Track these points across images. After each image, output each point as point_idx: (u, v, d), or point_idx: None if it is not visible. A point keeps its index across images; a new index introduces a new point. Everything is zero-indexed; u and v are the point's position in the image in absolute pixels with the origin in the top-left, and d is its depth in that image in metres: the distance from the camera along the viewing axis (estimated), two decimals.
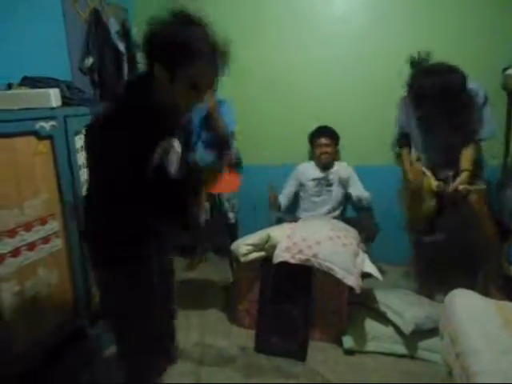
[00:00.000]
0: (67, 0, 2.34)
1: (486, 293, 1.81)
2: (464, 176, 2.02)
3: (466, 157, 2.05)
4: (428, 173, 2.15)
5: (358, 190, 2.58)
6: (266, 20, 2.86)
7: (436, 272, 2.37)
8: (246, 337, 2.12)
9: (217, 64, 1.06)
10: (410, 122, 2.25)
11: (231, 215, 2.75)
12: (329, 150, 2.59)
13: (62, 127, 1.78)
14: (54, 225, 1.76)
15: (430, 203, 2.14)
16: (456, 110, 2.01)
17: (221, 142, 1.27)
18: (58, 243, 1.79)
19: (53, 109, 1.74)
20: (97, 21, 2.50)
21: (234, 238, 2.72)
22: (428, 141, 2.18)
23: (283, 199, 2.66)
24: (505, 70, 2.46)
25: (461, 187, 2.00)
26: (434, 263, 2.39)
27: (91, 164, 1.18)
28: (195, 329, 2.23)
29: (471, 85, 2.01)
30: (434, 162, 2.17)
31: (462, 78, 1.94)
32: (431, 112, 2.03)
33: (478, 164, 2.10)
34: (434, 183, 2.09)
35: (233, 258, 2.30)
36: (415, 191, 2.19)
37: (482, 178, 2.10)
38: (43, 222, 1.70)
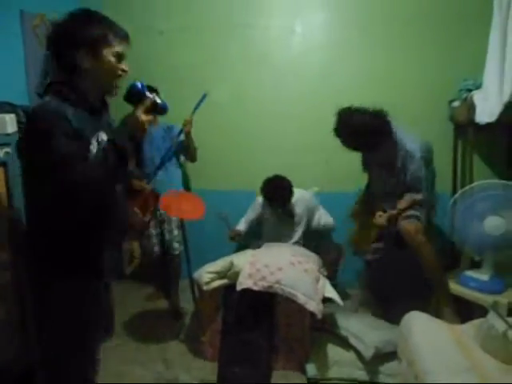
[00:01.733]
0: (28, 25, 2.31)
1: (438, 315, 1.90)
2: (384, 217, 2.18)
3: (400, 204, 2.15)
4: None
5: (322, 219, 2.61)
6: (228, 49, 2.94)
7: (388, 295, 2.47)
8: (209, 370, 2.06)
9: (125, 36, 1.22)
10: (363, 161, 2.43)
11: (176, 245, 2.64)
12: (283, 208, 2.52)
13: (17, 154, 1.71)
14: (3, 256, 1.67)
15: (374, 231, 2.30)
16: (381, 158, 2.17)
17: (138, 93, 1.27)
18: (5, 276, 1.68)
19: (8, 135, 1.68)
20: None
21: (178, 272, 2.67)
22: (373, 184, 2.37)
23: (243, 226, 2.64)
24: (451, 102, 2.65)
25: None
26: (383, 287, 2.51)
27: (27, 168, 1.22)
28: (155, 362, 2.14)
29: (407, 144, 2.10)
30: (376, 197, 2.34)
31: (374, 119, 2.02)
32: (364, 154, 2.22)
33: (414, 202, 2.17)
34: (377, 217, 2.23)
35: (195, 287, 2.26)
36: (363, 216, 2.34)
37: (418, 211, 2.16)
38: None
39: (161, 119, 2.58)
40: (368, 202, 2.40)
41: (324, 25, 2.83)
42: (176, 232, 2.63)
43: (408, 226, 2.10)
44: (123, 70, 1.23)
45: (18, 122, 1.77)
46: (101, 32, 1.16)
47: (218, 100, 2.94)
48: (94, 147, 1.17)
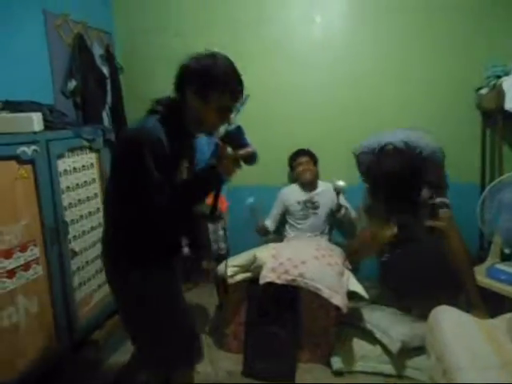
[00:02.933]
0: (51, 24, 2.35)
1: (467, 309, 1.85)
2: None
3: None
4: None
5: (347, 213, 2.51)
6: (247, 44, 2.92)
7: (411, 289, 2.42)
8: (233, 361, 2.08)
9: (237, 91, 1.25)
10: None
11: (223, 245, 2.65)
12: (309, 167, 2.58)
13: (45, 151, 1.77)
14: (35, 251, 1.72)
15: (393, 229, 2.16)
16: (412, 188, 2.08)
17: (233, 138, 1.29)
18: (38, 270, 1.74)
19: (35, 133, 1.72)
20: (80, 45, 2.52)
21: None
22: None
23: (270, 223, 2.62)
24: (478, 89, 2.56)
25: None
26: (405, 280, 2.45)
27: (117, 170, 1.27)
28: None
29: (424, 148, 2.08)
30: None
31: (413, 161, 2.02)
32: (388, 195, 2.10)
33: (442, 186, 2.15)
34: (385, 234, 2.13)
35: (219, 281, 2.27)
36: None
37: (446, 201, 2.11)
38: (23, 248, 1.65)
39: None
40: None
41: (344, 15, 2.77)
42: (221, 232, 2.66)
43: (440, 214, 2.03)
44: (223, 120, 1.27)
45: (44, 121, 1.81)
46: (220, 82, 1.20)
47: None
48: (182, 173, 1.29)
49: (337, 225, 2.65)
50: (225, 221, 2.61)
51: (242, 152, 1.23)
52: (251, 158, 1.24)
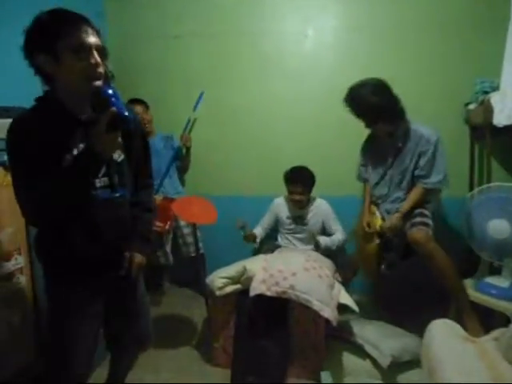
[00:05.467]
0: None
1: (458, 323, 1.84)
2: (395, 218, 2.12)
3: (409, 198, 2.14)
4: (378, 214, 2.27)
5: (329, 239, 2.50)
6: (242, 56, 2.95)
7: (402, 303, 2.42)
8: (222, 376, 2.03)
9: (85, 26, 1.09)
10: (365, 154, 2.38)
11: (191, 248, 2.75)
12: (302, 197, 2.47)
13: None
14: (19, 260, 1.67)
15: (375, 242, 2.23)
16: (393, 139, 2.13)
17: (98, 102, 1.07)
18: (21, 280, 1.69)
19: None
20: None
21: (200, 271, 2.69)
22: (377, 173, 2.29)
23: (259, 231, 2.64)
24: (467, 104, 2.61)
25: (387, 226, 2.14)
26: (396, 294, 2.46)
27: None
28: (167, 369, 2.12)
29: (421, 129, 2.10)
30: (385, 197, 2.28)
31: (364, 90, 2.07)
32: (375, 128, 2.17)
33: (426, 205, 2.17)
34: (378, 223, 2.21)
35: (207, 292, 2.23)
36: (364, 230, 2.29)
37: (427, 217, 2.13)
38: (8, 257, 1.60)
39: (159, 128, 2.67)
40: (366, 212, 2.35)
41: (337, 29, 2.81)
42: (189, 238, 2.70)
43: (417, 234, 2.05)
44: (93, 64, 1.08)
45: None
46: (51, 28, 1.06)
47: (228, 104, 2.95)
48: (70, 157, 1.12)
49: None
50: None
51: (104, 116, 1.03)
52: (118, 120, 1.04)
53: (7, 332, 1.61)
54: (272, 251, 2.55)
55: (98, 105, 1.06)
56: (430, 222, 2.12)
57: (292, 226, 2.60)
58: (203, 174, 3.07)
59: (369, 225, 2.28)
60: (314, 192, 2.60)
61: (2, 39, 2.06)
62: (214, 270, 2.24)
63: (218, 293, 2.09)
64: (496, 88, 2.31)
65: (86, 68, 1.08)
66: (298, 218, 2.58)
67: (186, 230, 2.79)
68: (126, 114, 1.05)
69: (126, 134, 1.21)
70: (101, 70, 1.10)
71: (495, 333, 1.58)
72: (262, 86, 2.94)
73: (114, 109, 1.03)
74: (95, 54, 1.09)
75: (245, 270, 2.08)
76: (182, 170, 3.01)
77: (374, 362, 1.93)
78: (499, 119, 2.16)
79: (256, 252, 2.64)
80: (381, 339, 1.98)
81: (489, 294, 2.01)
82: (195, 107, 2.67)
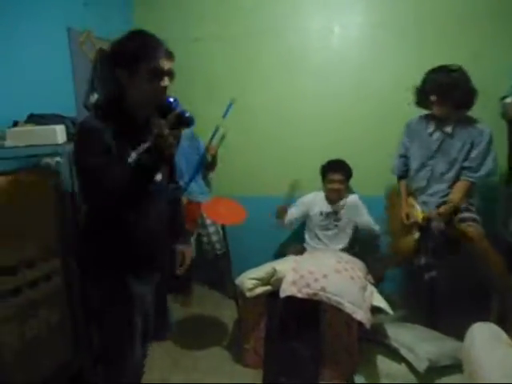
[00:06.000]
0: (74, 40, 2.41)
1: (501, 326, 1.76)
2: (448, 207, 2.04)
3: (457, 190, 2.07)
4: (417, 206, 2.19)
5: (365, 221, 2.51)
6: (264, 56, 2.94)
7: (444, 306, 2.33)
8: (252, 377, 2.03)
9: (162, 53, 1.24)
10: (410, 146, 2.29)
11: (218, 246, 2.75)
12: (341, 187, 2.48)
13: (67, 163, 1.78)
14: (56, 262, 1.72)
15: (414, 235, 2.17)
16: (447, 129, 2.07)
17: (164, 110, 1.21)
18: (58, 281, 1.74)
19: (58, 145, 1.75)
20: (102, 60, 2.57)
21: (226, 270, 2.71)
22: (420, 165, 2.21)
23: (288, 220, 2.61)
24: (503, 98, 2.49)
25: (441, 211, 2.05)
26: (436, 298, 2.37)
27: (80, 175, 1.29)
28: (198, 370, 2.13)
29: (475, 122, 2.07)
30: (423, 189, 2.21)
31: (463, 76, 2.05)
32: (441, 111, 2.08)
33: (470, 200, 2.10)
34: (420, 215, 2.14)
35: (237, 293, 2.24)
36: (402, 223, 2.23)
37: (474, 213, 2.07)
38: (45, 259, 1.66)
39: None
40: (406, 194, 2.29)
41: (361, 25, 2.76)
42: (214, 237, 2.69)
43: (470, 231, 1.97)
44: (162, 86, 1.24)
45: (67, 133, 1.83)
46: (137, 48, 1.21)
47: (254, 105, 2.95)
48: (131, 159, 1.23)
49: (360, 239, 2.60)
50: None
51: (169, 116, 1.16)
52: (182, 120, 1.17)
53: (46, 331, 1.66)
54: (300, 252, 2.53)
55: (162, 110, 1.19)
56: (478, 217, 2.04)
57: (324, 223, 2.55)
58: (228, 175, 3.07)
59: (408, 217, 2.20)
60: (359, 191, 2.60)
61: (39, 52, 2.14)
62: (240, 271, 2.24)
63: (248, 294, 2.08)
64: None
65: (156, 91, 1.24)
66: (332, 214, 2.54)
67: (211, 229, 2.79)
68: (188, 114, 1.18)
69: None
70: (167, 92, 1.26)
71: None
72: (285, 84, 2.92)
73: (177, 110, 1.18)
74: (166, 78, 1.25)
75: (275, 271, 2.06)
76: (208, 170, 3.01)
77: (410, 365, 1.87)
78: None
79: (282, 253, 2.61)
80: (416, 342, 1.91)
81: None
82: (225, 115, 2.66)
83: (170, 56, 1.26)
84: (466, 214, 2.02)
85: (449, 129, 2.09)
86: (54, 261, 1.71)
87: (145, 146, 1.23)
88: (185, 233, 1.59)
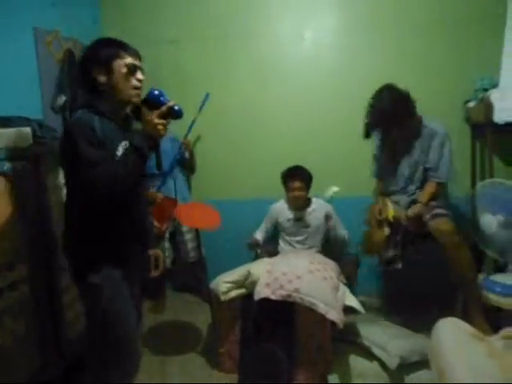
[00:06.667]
0: (41, 41, 2.34)
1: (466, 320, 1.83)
2: (416, 209, 2.13)
3: (425, 191, 2.16)
4: (390, 204, 2.28)
5: (338, 234, 2.54)
6: (238, 60, 2.95)
7: (408, 302, 2.42)
8: (228, 382, 2.02)
9: (132, 51, 1.36)
10: (378, 149, 2.39)
11: (193, 254, 2.74)
12: (301, 194, 2.47)
13: (33, 166, 1.73)
14: (22, 270, 1.66)
15: (385, 231, 2.26)
16: (405, 136, 2.16)
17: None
18: (25, 290, 1.68)
19: (24, 149, 1.69)
20: (70, 61, 2.51)
21: (202, 275, 2.68)
22: (389, 168, 2.32)
23: (260, 235, 2.62)
24: (466, 102, 2.60)
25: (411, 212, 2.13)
26: (403, 294, 2.45)
27: (67, 168, 1.34)
28: (173, 376, 2.10)
29: (431, 124, 2.14)
30: (394, 190, 2.31)
31: (398, 95, 2.10)
32: (387, 132, 2.20)
33: (439, 198, 2.18)
34: (390, 212, 2.22)
35: (212, 297, 2.22)
36: (376, 218, 2.31)
37: (445, 209, 2.14)
38: (11, 267, 1.59)
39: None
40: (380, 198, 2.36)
41: (334, 30, 2.82)
42: (190, 244, 2.67)
43: (443, 226, 2.03)
44: (137, 80, 1.35)
45: (33, 136, 1.77)
46: (111, 49, 1.33)
47: (227, 108, 2.95)
48: (119, 152, 1.29)
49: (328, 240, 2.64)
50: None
51: (162, 108, 1.27)
52: (173, 112, 1.29)
53: (12, 342, 1.59)
54: (274, 255, 2.54)
55: (149, 104, 1.31)
56: (448, 213, 2.11)
57: (293, 229, 2.57)
58: (204, 179, 3.06)
59: (380, 212, 2.28)
60: (318, 194, 2.61)
61: (3, 52, 2.06)
62: (216, 275, 2.23)
63: (222, 297, 2.08)
64: (496, 85, 2.31)
65: (133, 83, 1.34)
66: (299, 220, 2.56)
67: (188, 236, 2.77)
68: (178, 107, 1.29)
69: None
70: (141, 84, 1.37)
71: (505, 331, 1.56)
72: (259, 88, 2.94)
73: (172, 103, 1.29)
74: (140, 72, 1.37)
75: (249, 273, 2.07)
76: (190, 172, 2.99)
77: (382, 363, 1.92)
78: (500, 116, 2.17)
79: (257, 256, 2.62)
80: (388, 340, 1.96)
81: (494, 292, 2.00)
82: (201, 108, 2.66)
83: (138, 55, 1.39)
84: (437, 211, 2.09)
85: (409, 138, 2.18)
86: (20, 269, 1.64)
87: (126, 142, 1.30)
88: (153, 236, 1.67)
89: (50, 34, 2.40)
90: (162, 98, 1.31)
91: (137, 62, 1.36)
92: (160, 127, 1.27)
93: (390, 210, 2.24)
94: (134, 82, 1.34)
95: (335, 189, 2.48)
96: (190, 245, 2.77)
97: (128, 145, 1.29)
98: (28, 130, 1.75)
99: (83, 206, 1.30)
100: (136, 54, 1.37)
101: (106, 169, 1.21)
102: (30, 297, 1.70)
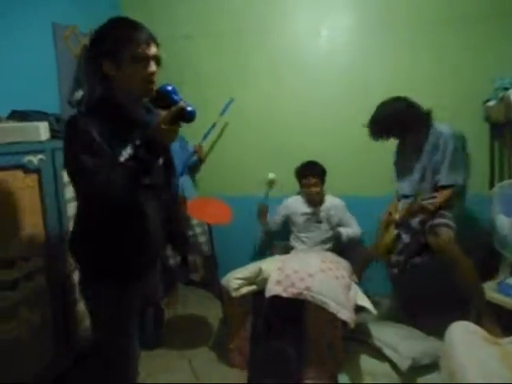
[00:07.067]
0: (59, 36, 2.37)
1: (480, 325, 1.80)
2: (415, 205, 2.09)
3: (432, 195, 2.08)
4: (400, 207, 2.27)
5: (349, 230, 2.52)
6: (253, 55, 2.94)
7: (420, 304, 2.40)
8: (237, 377, 2.03)
9: (145, 37, 1.17)
10: (395, 155, 2.39)
11: (205, 248, 2.75)
12: (317, 189, 2.50)
13: (50, 161, 1.76)
14: (38, 261, 1.70)
15: (392, 233, 2.23)
16: (415, 142, 2.15)
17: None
18: (41, 281, 1.71)
19: (41, 142, 1.72)
20: (87, 55, 2.53)
21: (213, 270, 2.69)
22: (402, 173, 2.31)
23: (271, 224, 2.64)
24: (486, 102, 2.54)
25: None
26: (414, 296, 2.45)
27: (68, 171, 1.21)
28: (183, 370, 2.12)
29: (440, 127, 2.09)
30: (405, 193, 2.27)
31: (401, 105, 2.12)
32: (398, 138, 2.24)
33: (451, 205, 2.10)
34: (397, 214, 2.21)
35: (223, 293, 2.23)
36: (385, 219, 2.31)
37: (449, 219, 2.08)
38: (27, 258, 1.63)
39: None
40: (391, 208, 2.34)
41: (349, 28, 2.78)
42: (201, 238, 2.69)
43: (440, 236, 2.01)
44: (149, 73, 1.17)
45: (51, 130, 1.80)
46: (120, 34, 1.15)
47: (241, 104, 2.94)
48: (123, 158, 1.17)
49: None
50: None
51: (172, 109, 1.12)
52: (184, 114, 1.13)
53: (28, 333, 1.63)
54: (285, 252, 2.54)
55: (160, 101, 1.17)
56: (451, 223, 2.06)
57: (306, 225, 2.57)
58: (215, 174, 3.06)
59: (390, 214, 2.27)
60: (333, 192, 2.60)
61: (22, 47, 2.09)
62: (226, 271, 2.24)
63: (233, 294, 2.08)
64: None
65: (143, 76, 1.17)
66: (313, 215, 2.55)
67: (198, 230, 2.78)
68: (191, 109, 1.13)
69: None
70: (155, 78, 1.19)
71: None
72: (273, 83, 2.92)
73: (183, 103, 1.13)
74: (152, 63, 1.18)
75: (260, 270, 2.07)
76: (195, 172, 3.03)
77: (393, 364, 1.91)
78: None
79: (266, 252, 2.63)
80: (399, 341, 1.95)
81: (510, 296, 1.96)
82: (223, 112, 2.65)
83: (154, 40, 1.20)
84: (438, 220, 2.06)
85: (419, 142, 2.15)
86: (36, 260, 1.68)
87: (137, 141, 1.18)
88: (187, 240, 1.55)
89: (68, 30, 2.43)
90: (174, 96, 1.16)
91: (150, 51, 1.17)
92: (171, 134, 1.13)
93: (398, 212, 2.23)
94: (145, 75, 1.16)
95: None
96: (201, 239, 2.78)
97: (132, 154, 1.16)
98: (46, 124, 1.78)
99: (86, 211, 1.24)
100: (150, 40, 1.18)
101: (101, 179, 1.09)
102: (46, 288, 1.74)
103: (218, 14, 2.94)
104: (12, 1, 2.00)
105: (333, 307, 1.87)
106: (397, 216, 2.22)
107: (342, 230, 2.50)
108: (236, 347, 2.14)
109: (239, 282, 2.10)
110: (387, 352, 1.93)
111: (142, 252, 1.29)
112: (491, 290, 2.04)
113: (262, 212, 2.54)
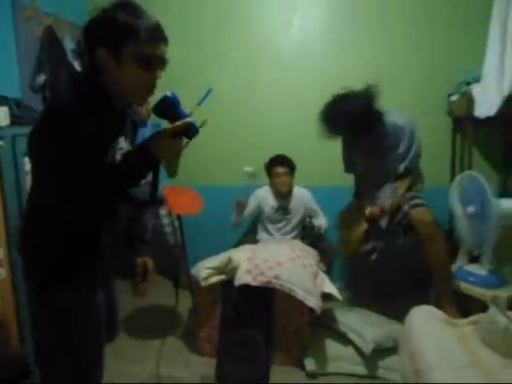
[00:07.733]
0: (19, 17, 2.25)
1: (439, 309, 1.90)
2: (390, 204, 2.17)
3: (400, 185, 2.18)
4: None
5: (317, 220, 2.57)
6: (228, 43, 2.91)
7: (384, 290, 2.49)
8: (207, 365, 2.05)
9: (159, 42, 1.01)
10: (347, 151, 2.41)
11: (170, 238, 2.71)
12: (286, 179, 2.53)
13: (10, 147, 1.68)
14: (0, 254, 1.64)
15: (362, 227, 2.27)
16: (369, 136, 2.14)
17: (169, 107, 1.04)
18: (1, 272, 1.65)
19: (1, 128, 1.64)
20: (51, 38, 2.42)
21: (181, 260, 2.68)
22: (362, 167, 2.33)
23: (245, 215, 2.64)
24: (449, 96, 2.63)
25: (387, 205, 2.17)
26: (378, 281, 2.52)
27: (36, 163, 1.03)
28: (152, 359, 2.11)
29: (393, 117, 2.14)
30: (369, 187, 2.32)
31: (361, 100, 2.04)
32: (348, 134, 2.22)
33: (416, 189, 2.21)
34: (368, 210, 2.23)
35: (192, 283, 2.23)
36: (354, 214, 2.33)
37: (422, 199, 2.18)
38: None
39: None
40: (357, 202, 2.38)
41: (322, 19, 2.80)
42: (167, 228, 2.66)
43: (424, 216, 2.07)
44: (152, 78, 1.02)
45: (11, 115, 1.73)
46: (126, 25, 0.96)
47: (218, 91, 2.90)
48: (111, 153, 1.05)
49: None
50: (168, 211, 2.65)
51: (178, 123, 1.00)
52: (189, 130, 1.03)
53: None
54: (255, 242, 2.56)
55: (162, 109, 1.03)
56: (425, 203, 2.14)
57: (275, 216, 2.60)
58: (190, 163, 3.02)
59: (382, 209, 2.29)
60: (300, 183, 2.62)
61: None
62: (197, 261, 2.24)
63: (202, 283, 2.09)
64: (478, 79, 2.33)
65: (144, 83, 1.02)
66: (281, 208, 2.59)
67: (165, 221, 2.74)
68: (197, 125, 1.05)
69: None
70: (157, 82, 1.05)
71: (474, 317, 1.62)
72: (248, 72, 2.91)
73: (190, 119, 1.02)
74: (158, 68, 1.03)
75: (230, 260, 2.08)
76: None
77: (357, 348, 1.98)
78: (480, 110, 2.19)
79: (241, 243, 2.64)
80: (364, 326, 2.02)
81: (467, 282, 2.07)
82: (200, 102, 2.59)
83: (166, 40, 1.03)
84: (416, 201, 2.14)
85: (375, 139, 2.18)
86: None
87: (121, 141, 1.08)
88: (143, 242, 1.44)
89: (30, 9, 2.32)
90: (180, 110, 1.03)
91: (158, 52, 1.00)
92: (172, 148, 1.01)
93: (368, 207, 2.27)
94: (146, 82, 1.02)
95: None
96: (167, 229, 2.75)
97: (123, 147, 1.06)
98: (6, 109, 1.70)
99: (48, 207, 1.04)
100: (160, 39, 1.01)
101: (83, 186, 0.96)
102: (6, 279, 1.68)
103: (193, 3, 2.89)
104: None
105: (300, 295, 1.92)
106: (366, 211, 2.24)
107: (316, 221, 2.55)
108: (205, 336, 2.15)
109: (209, 271, 2.10)
110: (351, 336, 2.00)
111: (104, 254, 1.13)
112: None
113: (240, 206, 2.53)
